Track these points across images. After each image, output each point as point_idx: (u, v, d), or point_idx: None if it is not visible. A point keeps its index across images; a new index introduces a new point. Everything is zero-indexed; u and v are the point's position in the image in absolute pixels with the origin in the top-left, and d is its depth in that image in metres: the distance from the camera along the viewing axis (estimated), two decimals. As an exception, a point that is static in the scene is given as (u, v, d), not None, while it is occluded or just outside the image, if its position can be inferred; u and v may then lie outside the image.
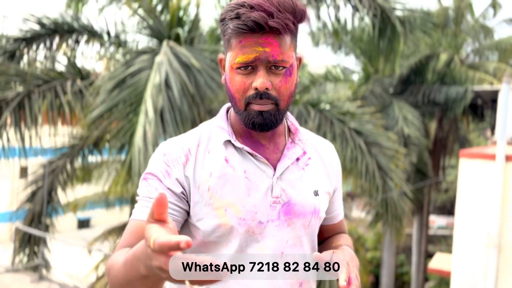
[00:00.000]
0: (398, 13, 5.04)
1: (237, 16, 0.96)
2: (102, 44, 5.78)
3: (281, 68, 1.01)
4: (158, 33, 4.96)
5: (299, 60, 1.10)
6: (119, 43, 5.71)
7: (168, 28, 4.95)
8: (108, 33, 5.93)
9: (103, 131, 5.01)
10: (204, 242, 1.06)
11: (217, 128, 1.11)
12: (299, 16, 0.99)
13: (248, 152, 1.07)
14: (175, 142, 1.10)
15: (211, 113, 5.93)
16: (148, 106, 4.17)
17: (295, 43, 1.05)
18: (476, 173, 4.54)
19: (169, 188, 1.04)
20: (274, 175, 1.07)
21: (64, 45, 5.45)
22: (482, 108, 14.10)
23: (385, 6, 4.83)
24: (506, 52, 13.88)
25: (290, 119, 1.17)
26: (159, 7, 5.19)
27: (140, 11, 5.02)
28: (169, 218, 0.74)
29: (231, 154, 1.07)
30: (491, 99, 12.10)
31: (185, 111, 4.61)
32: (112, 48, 6.06)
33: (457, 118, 13.72)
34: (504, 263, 4.41)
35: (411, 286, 14.24)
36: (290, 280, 1.08)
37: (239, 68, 1.01)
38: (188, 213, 1.08)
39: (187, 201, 1.06)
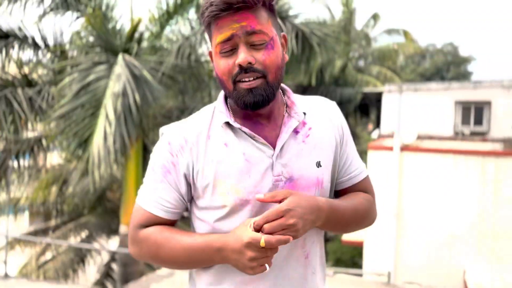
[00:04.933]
0: (315, 31, 6.08)
1: (211, 4, 1.00)
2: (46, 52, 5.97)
3: (262, 42, 1.01)
4: (113, 47, 5.40)
5: (284, 38, 1.11)
6: (61, 50, 5.95)
7: (124, 43, 5.41)
8: (45, 40, 6.14)
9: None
10: (213, 226, 1.09)
11: (217, 112, 1.11)
12: None
13: (247, 133, 1.07)
14: (178, 130, 1.12)
15: (147, 117, 6.46)
16: (108, 110, 4.67)
17: (273, 20, 1.06)
18: (380, 161, 5.79)
19: (175, 182, 1.09)
20: (273, 154, 1.06)
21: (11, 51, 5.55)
22: (368, 106, 16.12)
23: (304, 30, 5.84)
24: (386, 58, 16.06)
25: (288, 94, 1.15)
26: (116, 24, 5.62)
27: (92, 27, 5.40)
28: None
29: (231, 137, 1.07)
30: (376, 99, 13.93)
31: (136, 115, 5.15)
32: (48, 55, 6.26)
33: (348, 115, 15.52)
34: (401, 227, 5.72)
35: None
36: (295, 252, 1.10)
37: (221, 52, 1.03)
38: (189, 203, 1.14)
39: (191, 192, 1.11)
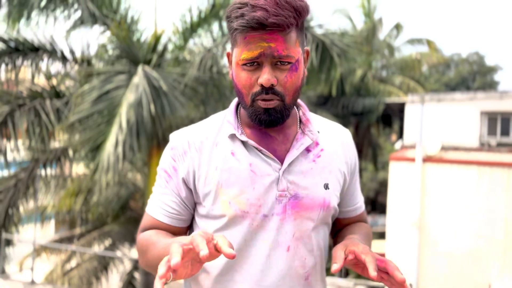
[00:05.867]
0: (334, 39, 6.12)
1: (242, 15, 0.97)
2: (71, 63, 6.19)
3: (286, 63, 1.00)
4: (134, 57, 5.56)
5: (307, 53, 1.09)
6: (88, 62, 6.16)
7: (145, 54, 5.57)
8: (73, 53, 6.36)
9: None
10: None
11: (226, 122, 1.11)
12: (300, 10, 0.98)
13: (254, 146, 1.06)
14: (183, 135, 1.12)
15: (170, 127, 6.58)
16: (122, 119, 4.81)
17: (301, 38, 1.04)
18: (402, 172, 5.73)
19: (176, 187, 1.09)
20: (280, 168, 1.05)
21: (40, 63, 5.78)
22: (390, 117, 16.03)
23: (325, 41, 5.88)
24: (408, 68, 15.95)
25: (303, 109, 1.15)
26: (141, 36, 5.81)
27: (118, 38, 5.57)
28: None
29: (238, 147, 1.06)
30: (398, 109, 13.82)
31: (149, 126, 5.26)
32: (76, 67, 6.48)
33: (371, 126, 15.47)
34: (424, 239, 5.63)
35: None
36: (295, 273, 1.07)
37: (244, 64, 1.00)
38: (194, 208, 1.13)
39: (193, 197, 1.10)
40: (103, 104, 5.12)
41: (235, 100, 1.15)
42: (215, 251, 0.83)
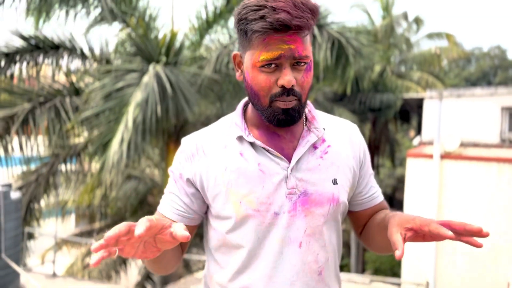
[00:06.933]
0: (349, 36, 6.08)
1: (262, 17, 0.97)
2: (94, 60, 6.28)
3: (303, 64, 1.01)
4: (149, 56, 5.61)
5: None
6: (107, 60, 6.25)
7: (158, 53, 5.62)
8: (92, 51, 6.45)
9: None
10: (224, 235, 1.10)
11: (233, 124, 1.13)
12: (315, 11, 1.00)
13: (261, 146, 1.08)
14: (192, 138, 1.15)
15: (187, 124, 6.64)
16: (128, 117, 4.87)
17: (311, 39, 1.06)
18: (419, 168, 5.68)
19: (183, 188, 1.12)
20: (288, 166, 1.07)
21: (60, 61, 5.88)
22: (408, 113, 15.83)
23: (341, 39, 5.85)
24: (427, 63, 15.72)
25: (309, 107, 1.16)
26: (158, 34, 5.86)
27: (133, 35, 5.62)
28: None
29: (246, 148, 1.08)
30: (417, 105, 13.66)
31: (155, 124, 5.30)
32: (95, 65, 6.57)
33: (388, 122, 15.31)
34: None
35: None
36: (309, 268, 1.09)
37: (263, 66, 1.00)
38: (206, 207, 1.15)
39: (201, 197, 1.13)
40: (114, 101, 5.18)
41: (241, 103, 1.17)
42: (172, 239, 0.86)
